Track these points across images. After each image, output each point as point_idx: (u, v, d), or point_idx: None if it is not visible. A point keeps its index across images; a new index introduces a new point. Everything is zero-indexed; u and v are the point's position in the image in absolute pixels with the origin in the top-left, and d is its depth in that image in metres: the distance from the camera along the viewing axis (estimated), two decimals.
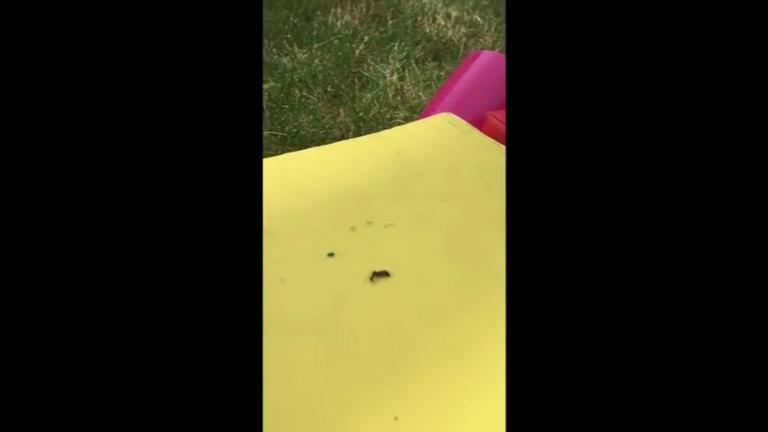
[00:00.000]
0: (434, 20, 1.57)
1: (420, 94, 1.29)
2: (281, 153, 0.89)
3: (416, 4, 1.61)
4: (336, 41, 1.40)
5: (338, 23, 1.49)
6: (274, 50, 1.36)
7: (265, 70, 1.30)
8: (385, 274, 0.45)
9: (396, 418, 0.35)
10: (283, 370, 0.38)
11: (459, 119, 0.71)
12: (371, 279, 0.44)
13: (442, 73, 1.35)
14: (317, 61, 1.32)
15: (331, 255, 0.47)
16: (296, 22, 1.46)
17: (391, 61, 1.36)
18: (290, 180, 0.56)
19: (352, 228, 0.50)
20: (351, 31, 1.45)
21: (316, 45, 1.38)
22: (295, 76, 1.26)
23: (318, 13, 1.53)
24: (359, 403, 0.36)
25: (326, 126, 1.15)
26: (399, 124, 1.18)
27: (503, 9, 1.64)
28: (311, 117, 1.16)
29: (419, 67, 1.37)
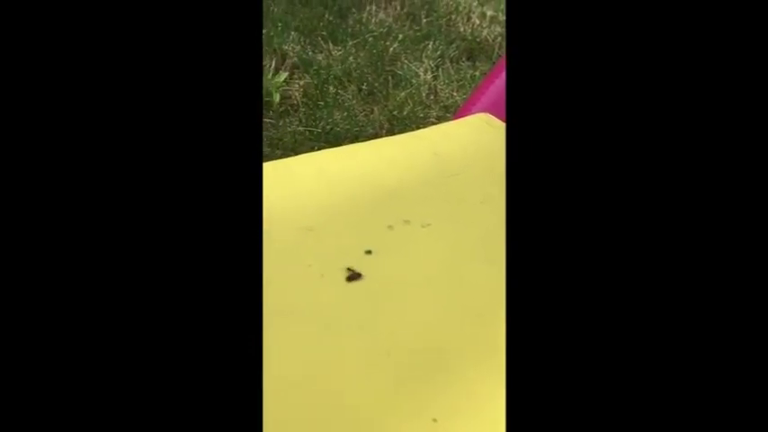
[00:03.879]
0: (469, 19, 1.56)
1: (454, 93, 1.28)
2: (316, 149, 0.89)
3: (451, 2, 1.61)
4: (371, 39, 1.40)
5: (372, 21, 1.49)
6: (309, 47, 1.37)
7: (300, 66, 1.31)
8: (357, 276, 0.45)
9: (434, 420, 0.35)
10: (322, 365, 0.38)
11: (496, 119, 0.71)
12: (347, 279, 0.44)
13: (477, 73, 1.34)
14: (351, 59, 1.33)
15: (369, 252, 0.47)
16: (331, 19, 1.47)
17: (425, 60, 1.36)
18: (327, 176, 0.56)
19: (389, 226, 0.51)
20: (385, 29, 1.46)
21: (350, 42, 1.38)
22: (330, 73, 1.27)
23: (353, 10, 1.53)
24: (397, 403, 0.36)
25: (360, 123, 1.16)
26: (432, 123, 1.18)
27: None
28: (345, 114, 1.17)
29: (453, 67, 1.36)
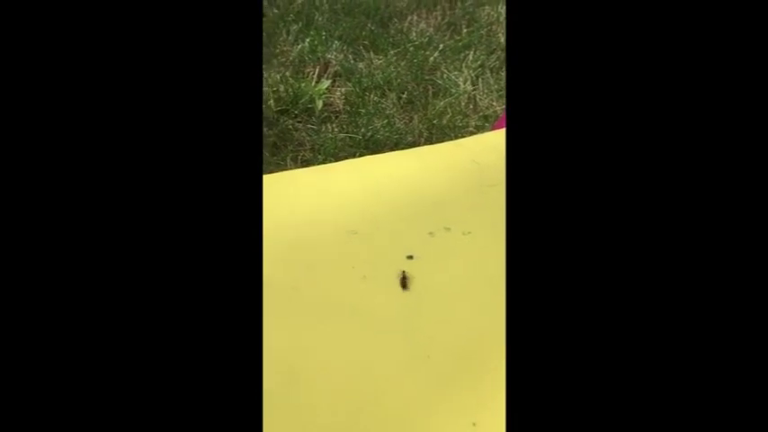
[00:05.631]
0: None
1: (493, 103, 1.28)
2: (357, 155, 0.91)
3: (492, 12, 1.61)
4: (411, 48, 1.42)
5: (414, 31, 1.51)
6: (351, 56, 1.40)
7: (343, 74, 1.34)
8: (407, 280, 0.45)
9: (474, 424, 0.36)
10: (363, 365, 0.39)
11: None
12: (401, 283, 0.45)
13: None
14: (392, 67, 1.35)
15: (410, 257, 0.48)
16: (373, 28, 1.49)
17: (465, 70, 1.37)
18: (369, 182, 0.58)
19: (430, 233, 0.52)
20: (426, 39, 1.47)
21: (391, 52, 1.40)
22: (371, 82, 1.29)
23: (395, 20, 1.56)
24: (437, 406, 0.37)
25: (400, 131, 1.17)
26: (471, 132, 1.18)
27: None
28: (385, 122, 1.18)
29: (493, 77, 1.36)
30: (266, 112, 1.21)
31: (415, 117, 1.23)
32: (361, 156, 0.66)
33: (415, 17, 1.57)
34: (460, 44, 1.47)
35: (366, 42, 1.43)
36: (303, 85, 1.27)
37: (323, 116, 1.23)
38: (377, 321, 0.42)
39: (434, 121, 1.20)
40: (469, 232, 0.52)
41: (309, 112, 1.23)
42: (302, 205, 0.52)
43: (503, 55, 1.45)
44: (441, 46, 1.44)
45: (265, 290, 0.43)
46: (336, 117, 1.24)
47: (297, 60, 1.36)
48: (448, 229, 0.52)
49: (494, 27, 1.56)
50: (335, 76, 1.34)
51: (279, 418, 0.35)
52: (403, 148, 0.66)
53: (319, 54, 1.38)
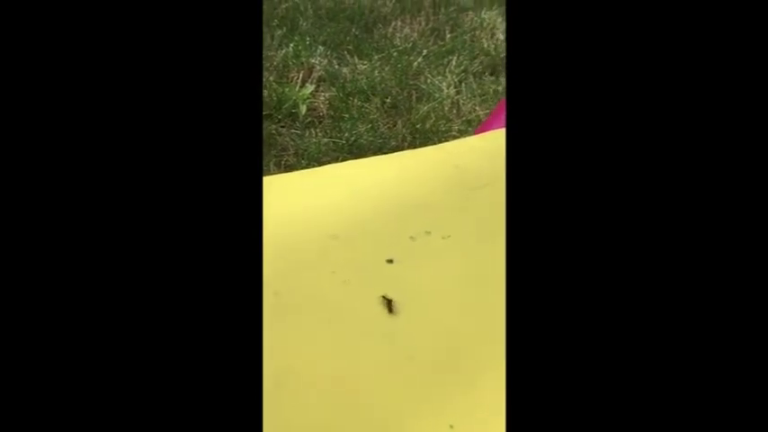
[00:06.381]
0: (493, 35, 1.57)
1: (476, 108, 1.30)
2: (340, 160, 0.91)
3: (476, 18, 1.62)
4: (395, 54, 1.42)
5: (398, 36, 1.52)
6: (335, 61, 1.40)
7: (327, 79, 1.34)
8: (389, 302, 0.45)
9: (451, 427, 0.36)
10: (345, 367, 0.39)
11: None
12: (389, 309, 0.44)
13: (500, 88, 1.36)
14: (376, 72, 1.35)
15: (390, 261, 0.49)
16: (357, 33, 1.50)
17: (448, 75, 1.38)
18: (351, 186, 0.58)
19: (411, 237, 0.52)
20: (410, 44, 1.48)
21: (375, 57, 1.41)
22: (355, 87, 1.30)
23: (379, 25, 1.56)
24: (417, 406, 0.37)
25: (383, 136, 1.18)
26: (454, 137, 1.19)
27: None
28: (369, 126, 1.19)
29: (476, 82, 1.38)
30: None
31: (399, 122, 1.24)
32: (344, 161, 0.66)
33: (399, 23, 1.58)
34: (444, 49, 1.48)
35: (350, 47, 1.44)
36: (287, 89, 1.27)
37: (307, 121, 1.24)
38: (358, 325, 0.43)
39: (418, 126, 1.21)
40: (449, 236, 0.52)
41: (293, 116, 1.23)
42: (283, 209, 0.52)
43: (486, 60, 1.47)
44: (424, 51, 1.45)
45: None
46: (320, 122, 1.24)
47: (281, 65, 1.37)
48: (428, 233, 0.52)
49: (477, 33, 1.58)
50: (319, 80, 1.34)
51: (265, 419, 0.35)
52: (386, 153, 0.66)
53: (303, 59, 1.38)
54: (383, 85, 1.32)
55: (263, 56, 1.39)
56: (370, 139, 1.16)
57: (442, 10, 1.62)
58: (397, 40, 1.50)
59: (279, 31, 1.46)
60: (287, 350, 0.40)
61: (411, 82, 1.35)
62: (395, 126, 1.22)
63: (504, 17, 1.65)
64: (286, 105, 1.23)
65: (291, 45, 1.41)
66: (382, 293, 0.45)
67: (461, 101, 1.31)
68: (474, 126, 1.24)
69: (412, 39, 1.51)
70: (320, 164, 0.97)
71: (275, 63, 1.37)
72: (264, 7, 1.53)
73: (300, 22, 1.50)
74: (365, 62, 1.40)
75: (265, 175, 0.61)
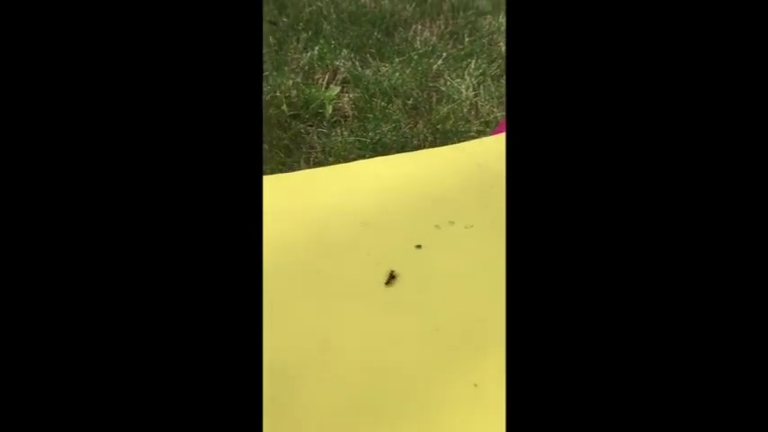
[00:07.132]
0: None
1: (494, 109, 1.34)
2: (366, 158, 0.96)
3: (494, 22, 1.66)
4: (416, 57, 1.47)
5: (418, 40, 1.57)
6: (359, 63, 1.46)
7: (351, 81, 1.40)
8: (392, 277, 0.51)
9: (475, 385, 0.41)
10: (379, 340, 0.45)
11: None
12: (387, 282, 0.50)
13: None
14: (397, 75, 1.40)
15: (419, 246, 0.54)
16: (379, 37, 1.55)
17: (467, 77, 1.42)
18: (380, 180, 0.63)
19: (436, 225, 0.57)
20: (429, 48, 1.53)
21: (397, 60, 1.46)
22: (378, 88, 1.35)
23: (400, 29, 1.61)
24: (443, 371, 0.42)
25: (406, 135, 1.23)
26: (473, 137, 1.24)
27: None
28: (392, 126, 1.24)
29: (494, 84, 1.42)
30: (279, 117, 1.27)
31: (420, 122, 1.29)
32: (369, 158, 0.72)
33: (419, 26, 1.63)
34: (463, 53, 1.52)
35: (372, 50, 1.49)
36: (314, 90, 1.33)
37: (333, 120, 1.29)
38: (390, 302, 0.48)
39: (438, 126, 1.26)
40: (471, 226, 0.57)
41: (320, 116, 1.29)
42: (317, 200, 0.57)
43: (503, 63, 1.50)
44: (444, 54, 1.50)
45: (293, 272, 0.49)
46: (345, 121, 1.30)
47: (307, 67, 1.42)
48: (452, 223, 0.58)
49: (494, 36, 1.62)
50: (344, 82, 1.40)
51: (311, 384, 0.41)
52: (409, 151, 0.72)
53: (328, 61, 1.43)
54: (404, 87, 1.37)
55: (290, 58, 1.45)
56: (393, 138, 1.21)
57: (461, 14, 1.66)
58: (418, 43, 1.55)
59: (304, 35, 1.51)
60: (329, 319, 0.46)
61: (431, 84, 1.40)
62: (416, 126, 1.27)
63: None
64: (313, 105, 1.29)
65: (317, 48, 1.46)
66: (410, 274, 0.51)
67: (480, 103, 1.36)
68: (491, 127, 1.29)
69: (431, 42, 1.56)
70: (346, 161, 1.02)
71: (301, 64, 1.43)
72: (290, 11, 1.59)
73: (324, 26, 1.55)
74: (387, 65, 1.45)
75: (294, 170, 0.66)
